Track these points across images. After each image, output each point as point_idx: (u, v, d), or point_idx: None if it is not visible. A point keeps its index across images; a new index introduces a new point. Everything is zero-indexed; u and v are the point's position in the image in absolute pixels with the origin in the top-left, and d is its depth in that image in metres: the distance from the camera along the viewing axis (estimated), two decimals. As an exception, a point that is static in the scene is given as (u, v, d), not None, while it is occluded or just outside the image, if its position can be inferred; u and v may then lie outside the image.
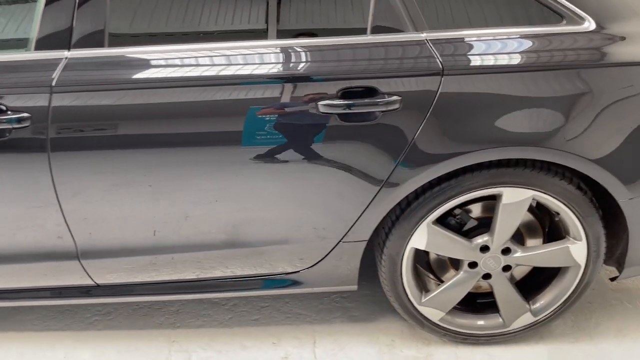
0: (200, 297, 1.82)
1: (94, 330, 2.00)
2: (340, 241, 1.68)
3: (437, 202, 1.61)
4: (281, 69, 1.51)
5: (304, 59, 1.51)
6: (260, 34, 1.65)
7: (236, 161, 1.54)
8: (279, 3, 1.63)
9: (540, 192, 1.60)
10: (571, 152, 1.51)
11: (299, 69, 1.51)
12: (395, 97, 1.48)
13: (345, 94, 1.49)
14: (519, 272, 1.87)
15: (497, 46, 1.50)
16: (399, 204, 1.64)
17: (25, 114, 1.45)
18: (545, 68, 1.49)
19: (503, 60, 1.49)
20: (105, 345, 1.94)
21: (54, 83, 1.45)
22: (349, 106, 1.48)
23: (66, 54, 1.47)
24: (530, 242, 1.79)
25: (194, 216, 1.62)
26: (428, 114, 1.50)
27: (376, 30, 1.51)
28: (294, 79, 1.49)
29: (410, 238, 1.68)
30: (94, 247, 1.65)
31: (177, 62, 1.50)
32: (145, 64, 1.52)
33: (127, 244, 1.67)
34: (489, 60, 1.49)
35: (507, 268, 1.75)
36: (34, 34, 1.48)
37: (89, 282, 1.74)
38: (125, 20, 1.62)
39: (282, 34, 1.64)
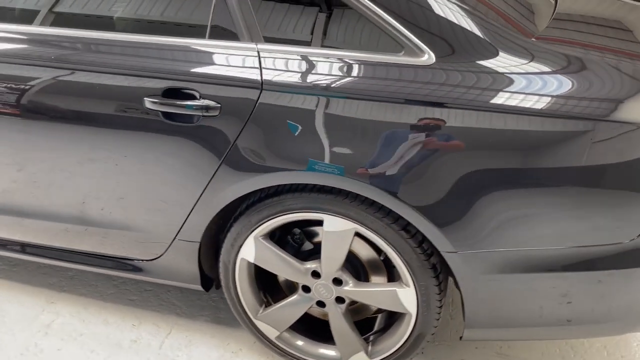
0: (63, 265, 1.94)
1: (-3, 277, 2.21)
2: (175, 238, 1.71)
3: (262, 217, 1.59)
4: (115, 60, 1.57)
5: (138, 53, 1.56)
6: (110, 24, 1.68)
7: (76, 139, 1.63)
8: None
9: (362, 226, 1.51)
10: (381, 188, 1.41)
11: (129, 63, 1.56)
12: (214, 103, 1.49)
13: (169, 93, 1.52)
14: (368, 310, 1.78)
15: (322, 67, 1.45)
16: (232, 213, 1.64)
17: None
18: (366, 97, 1.41)
19: (324, 82, 1.43)
20: (-4, 292, 2.14)
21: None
22: (169, 105, 1.51)
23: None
24: (375, 279, 1.69)
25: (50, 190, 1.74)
26: (245, 126, 1.48)
27: (213, 35, 1.52)
28: (125, 72, 1.55)
29: (239, 249, 1.67)
30: None
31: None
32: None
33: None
34: (311, 80, 1.44)
35: (341, 300, 1.67)
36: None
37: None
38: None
39: (126, 26, 1.68)
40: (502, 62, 1.37)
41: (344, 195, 1.50)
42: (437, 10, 1.41)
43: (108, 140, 1.60)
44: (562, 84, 1.35)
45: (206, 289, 1.85)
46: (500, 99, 1.34)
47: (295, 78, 1.45)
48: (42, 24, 1.66)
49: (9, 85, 1.62)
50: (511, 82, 1.35)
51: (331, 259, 1.60)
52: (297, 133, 1.45)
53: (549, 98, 1.33)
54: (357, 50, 1.46)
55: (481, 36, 1.40)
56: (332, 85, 1.43)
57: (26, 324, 2.00)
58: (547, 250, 1.43)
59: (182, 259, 1.75)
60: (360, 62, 1.43)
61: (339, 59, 1.45)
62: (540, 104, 1.33)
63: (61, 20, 1.70)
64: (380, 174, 1.40)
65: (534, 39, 1.45)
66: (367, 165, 1.41)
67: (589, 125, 1.31)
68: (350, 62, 1.44)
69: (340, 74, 1.43)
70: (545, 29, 1.55)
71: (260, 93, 1.46)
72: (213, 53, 1.52)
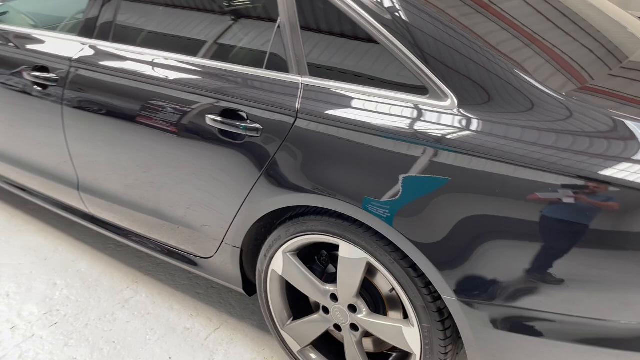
0: (140, 249, 2.25)
1: (105, 253, 2.62)
2: (222, 241, 1.92)
3: (290, 234, 1.72)
4: (189, 80, 1.83)
5: (206, 77, 1.80)
6: (189, 49, 1.92)
7: (155, 142, 1.92)
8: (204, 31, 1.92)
9: (373, 258, 1.56)
10: (388, 224, 1.46)
11: (199, 84, 1.81)
12: (257, 125, 1.67)
13: (225, 113, 1.73)
14: (385, 345, 1.80)
15: (354, 103, 1.54)
16: (268, 226, 1.80)
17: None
18: (389, 135, 1.46)
19: (353, 116, 1.52)
20: (98, 264, 2.54)
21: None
22: (223, 123, 1.72)
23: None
24: (391, 314, 1.71)
25: (140, 183, 2.07)
26: (279, 148, 1.64)
27: (269, 65, 1.71)
28: (196, 92, 1.80)
29: (271, 260, 1.81)
30: None
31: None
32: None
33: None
34: (342, 114, 1.54)
35: (356, 327, 1.72)
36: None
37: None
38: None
39: (202, 53, 1.90)
40: (529, 117, 1.34)
41: (359, 225, 1.57)
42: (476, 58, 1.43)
43: (184, 151, 1.86)
44: (588, 143, 1.28)
45: (249, 294, 2.01)
46: (514, 149, 1.31)
47: (325, 110, 1.57)
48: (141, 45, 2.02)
49: (145, 104, 1.94)
50: (528, 134, 1.32)
51: (346, 285, 1.67)
52: (318, 159, 1.56)
53: (565, 153, 1.27)
54: (384, 89, 1.53)
55: (514, 87, 1.38)
56: (360, 120, 1.51)
57: (110, 295, 2.36)
58: (558, 315, 1.35)
59: (228, 261, 1.95)
60: (388, 101, 1.50)
61: (367, 95, 1.54)
62: (552, 158, 1.27)
63: (157, 42, 2.02)
64: (388, 208, 1.45)
65: (578, 92, 1.39)
66: (376, 199, 1.47)
67: (592, 188, 1.23)
68: (377, 99, 1.52)
69: (365, 110, 1.52)
70: (608, 76, 1.47)
71: (295, 120, 1.61)
72: (265, 82, 1.70)
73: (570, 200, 1.25)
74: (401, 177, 1.44)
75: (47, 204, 2.56)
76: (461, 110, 1.40)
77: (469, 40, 1.44)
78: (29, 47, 2.32)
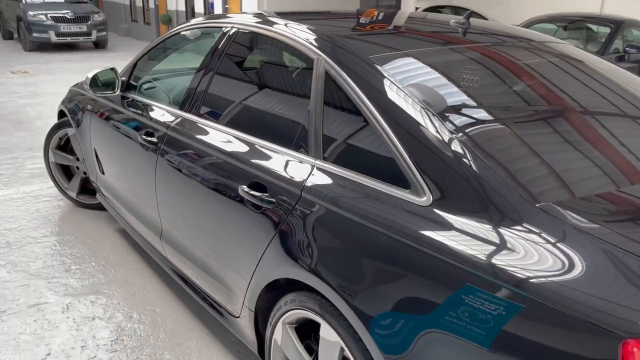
0: (198, 300, 2.48)
1: (181, 299, 2.92)
2: (243, 303, 2.06)
3: (289, 305, 1.80)
4: (234, 151, 2.07)
5: (252, 151, 2.03)
6: (242, 126, 2.18)
7: (194, 197, 2.18)
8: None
9: (346, 347, 1.57)
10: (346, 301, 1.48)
11: (240, 155, 2.03)
12: (272, 199, 1.82)
13: (252, 186, 1.92)
14: None
15: (342, 189, 1.62)
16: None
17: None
18: (367, 220, 1.51)
19: (341, 200, 1.60)
20: (171, 306, 2.84)
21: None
22: (249, 195, 1.91)
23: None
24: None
25: (194, 237, 2.34)
26: (284, 222, 1.76)
27: (295, 147, 1.88)
28: (239, 162, 2.03)
29: (273, 329, 1.90)
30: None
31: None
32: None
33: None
34: (326, 192, 1.64)
35: (335, 413, 1.70)
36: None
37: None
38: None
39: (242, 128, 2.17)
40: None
41: (335, 308, 1.60)
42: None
43: (221, 215, 2.09)
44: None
45: (263, 357, 2.10)
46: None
47: (326, 192, 1.67)
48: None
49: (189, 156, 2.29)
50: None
51: (326, 365, 1.68)
52: (310, 237, 1.65)
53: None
54: (372, 179, 1.59)
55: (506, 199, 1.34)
56: (338, 201, 1.59)
57: (168, 337, 2.61)
58: None
59: (247, 323, 2.07)
60: (371, 189, 1.56)
61: (351, 180, 1.61)
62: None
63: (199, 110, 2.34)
64: (352, 292, 1.48)
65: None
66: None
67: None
68: (363, 185, 1.58)
69: (347, 194, 1.59)
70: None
71: (300, 197, 1.73)
72: (289, 160, 1.86)
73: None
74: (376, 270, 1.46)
75: (138, 240, 2.97)
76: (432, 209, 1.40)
77: None
78: (150, 114, 2.80)
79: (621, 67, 2.16)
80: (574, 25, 7.26)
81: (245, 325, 2.09)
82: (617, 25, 6.57)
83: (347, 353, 1.57)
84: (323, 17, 2.59)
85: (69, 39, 13.18)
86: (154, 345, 2.55)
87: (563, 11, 8.09)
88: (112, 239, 3.63)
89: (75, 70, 10.51)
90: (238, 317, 2.15)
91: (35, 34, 12.85)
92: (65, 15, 13.05)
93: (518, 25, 7.46)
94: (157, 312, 2.81)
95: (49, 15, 12.94)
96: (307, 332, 1.85)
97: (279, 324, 1.86)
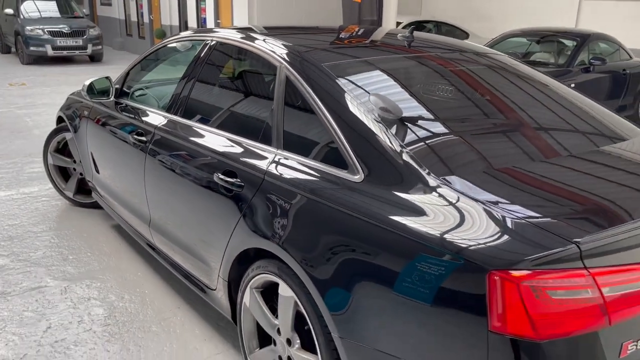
0: (183, 280, 2.81)
1: (168, 282, 3.25)
2: (218, 276, 2.40)
3: (254, 271, 2.14)
4: (212, 145, 2.43)
5: (224, 144, 2.38)
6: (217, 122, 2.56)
7: (178, 186, 2.54)
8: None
9: (299, 300, 1.91)
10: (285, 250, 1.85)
11: (217, 148, 2.39)
12: (242, 183, 2.18)
13: (225, 173, 2.28)
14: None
15: (297, 172, 1.98)
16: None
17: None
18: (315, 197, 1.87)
19: (295, 181, 1.96)
20: (159, 288, 3.17)
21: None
22: (222, 180, 2.26)
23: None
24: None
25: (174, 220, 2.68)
26: (250, 201, 2.11)
27: (262, 139, 2.24)
28: (215, 154, 2.39)
29: (243, 294, 2.24)
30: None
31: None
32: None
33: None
34: (284, 174, 2.01)
35: (293, 361, 2.04)
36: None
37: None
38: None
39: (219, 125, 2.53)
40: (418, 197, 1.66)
41: (290, 269, 1.94)
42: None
43: (199, 196, 2.44)
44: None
45: (236, 323, 2.43)
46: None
47: (277, 172, 2.03)
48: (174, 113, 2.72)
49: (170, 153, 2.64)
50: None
51: (283, 320, 2.02)
52: (272, 212, 2.01)
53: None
54: (317, 161, 1.96)
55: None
56: (293, 182, 1.95)
57: (155, 314, 2.94)
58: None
59: (222, 294, 2.41)
60: (316, 170, 1.92)
61: (304, 165, 1.97)
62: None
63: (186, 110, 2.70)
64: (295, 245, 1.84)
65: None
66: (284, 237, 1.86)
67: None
68: (308, 169, 1.95)
69: (301, 176, 1.95)
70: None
71: (263, 180, 2.09)
72: (254, 151, 2.22)
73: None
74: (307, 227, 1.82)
75: (130, 232, 3.31)
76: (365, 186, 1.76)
77: None
78: (140, 117, 3.15)
79: (540, 71, 2.58)
80: (545, 39, 7.69)
81: (221, 295, 2.43)
82: (584, 39, 6.99)
83: (301, 308, 1.91)
84: (304, 32, 2.97)
85: (65, 53, 13.56)
86: (143, 320, 2.89)
87: (539, 26, 8.54)
88: (106, 233, 3.97)
89: (71, 83, 10.87)
90: (215, 289, 2.48)
91: (32, 48, 13.22)
92: (62, 30, 13.44)
93: (492, 39, 7.89)
94: (146, 294, 3.14)
95: (45, 29, 13.32)
96: (271, 296, 2.19)
97: (247, 289, 2.20)
